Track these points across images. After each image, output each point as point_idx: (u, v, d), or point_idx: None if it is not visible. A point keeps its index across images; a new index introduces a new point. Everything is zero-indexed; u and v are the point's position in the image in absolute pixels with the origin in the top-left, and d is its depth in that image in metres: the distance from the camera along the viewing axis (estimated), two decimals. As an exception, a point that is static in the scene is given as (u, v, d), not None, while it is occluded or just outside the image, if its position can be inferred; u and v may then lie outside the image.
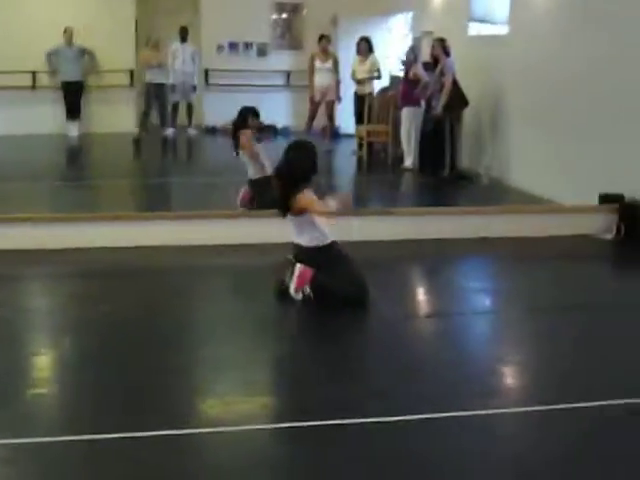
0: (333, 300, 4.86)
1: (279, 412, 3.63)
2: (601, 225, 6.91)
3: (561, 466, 3.11)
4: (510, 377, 4.12)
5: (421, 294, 5.74)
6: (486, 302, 5.40)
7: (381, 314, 4.91)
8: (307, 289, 4.87)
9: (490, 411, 3.54)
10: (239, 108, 7.56)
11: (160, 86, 12.70)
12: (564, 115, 8.25)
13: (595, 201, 7.21)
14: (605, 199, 7.08)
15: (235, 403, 3.66)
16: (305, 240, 4.94)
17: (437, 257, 6.34)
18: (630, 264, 6.62)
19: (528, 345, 4.54)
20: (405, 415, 3.44)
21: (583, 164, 7.87)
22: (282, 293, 4.97)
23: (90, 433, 3.25)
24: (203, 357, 4.20)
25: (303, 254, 4.94)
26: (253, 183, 7.39)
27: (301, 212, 4.88)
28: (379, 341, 4.58)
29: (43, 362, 4.18)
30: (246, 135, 7.34)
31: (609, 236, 6.83)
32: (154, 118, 13.02)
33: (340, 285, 4.87)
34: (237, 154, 7.50)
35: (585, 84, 7.86)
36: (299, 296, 4.88)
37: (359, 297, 4.91)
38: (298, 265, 4.89)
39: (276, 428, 3.43)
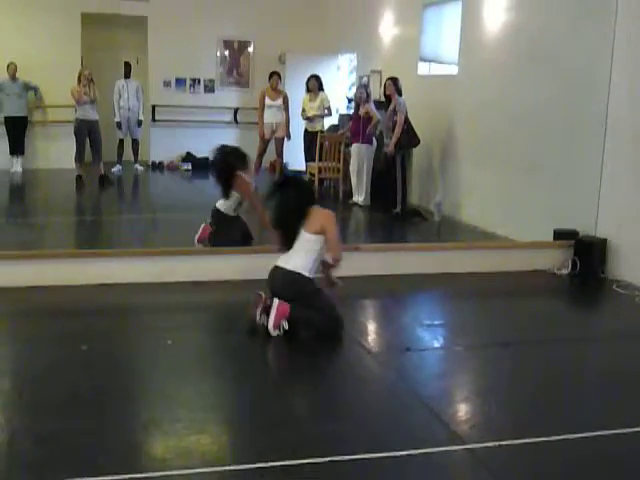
0: (309, 332, 4.86)
1: (243, 453, 3.44)
2: (557, 261, 7.09)
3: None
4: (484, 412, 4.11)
5: (388, 330, 5.74)
6: (447, 337, 5.37)
7: (348, 350, 4.91)
8: (285, 325, 4.82)
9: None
10: (217, 147, 7.20)
11: (92, 123, 11.74)
12: (514, 153, 8.46)
13: (547, 237, 7.42)
14: (560, 235, 7.28)
15: (199, 443, 3.49)
16: (296, 265, 4.91)
17: (403, 293, 6.40)
18: (585, 299, 6.82)
19: (494, 379, 4.56)
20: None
21: (534, 201, 8.07)
22: (254, 330, 4.92)
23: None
24: (169, 395, 4.04)
25: (284, 280, 4.91)
26: (227, 218, 7.17)
27: (320, 232, 4.94)
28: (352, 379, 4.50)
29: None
30: (243, 179, 7.06)
31: (565, 271, 7.02)
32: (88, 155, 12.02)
33: (317, 318, 4.90)
34: (227, 197, 7.13)
35: (534, 123, 8.10)
36: (276, 332, 4.82)
37: (335, 329, 4.94)
38: (276, 300, 4.85)
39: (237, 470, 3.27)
